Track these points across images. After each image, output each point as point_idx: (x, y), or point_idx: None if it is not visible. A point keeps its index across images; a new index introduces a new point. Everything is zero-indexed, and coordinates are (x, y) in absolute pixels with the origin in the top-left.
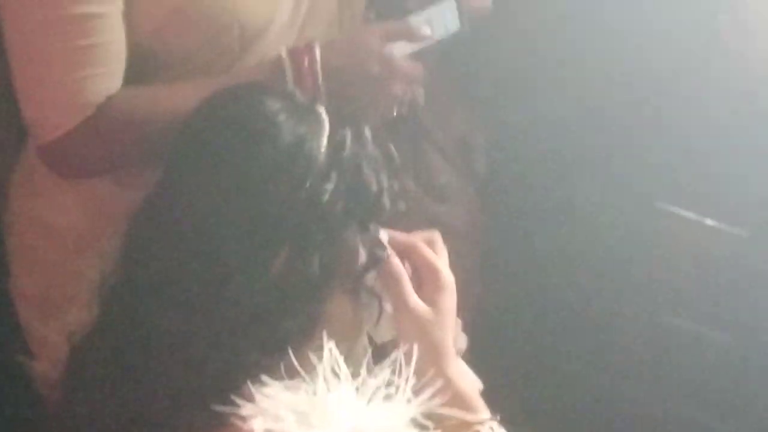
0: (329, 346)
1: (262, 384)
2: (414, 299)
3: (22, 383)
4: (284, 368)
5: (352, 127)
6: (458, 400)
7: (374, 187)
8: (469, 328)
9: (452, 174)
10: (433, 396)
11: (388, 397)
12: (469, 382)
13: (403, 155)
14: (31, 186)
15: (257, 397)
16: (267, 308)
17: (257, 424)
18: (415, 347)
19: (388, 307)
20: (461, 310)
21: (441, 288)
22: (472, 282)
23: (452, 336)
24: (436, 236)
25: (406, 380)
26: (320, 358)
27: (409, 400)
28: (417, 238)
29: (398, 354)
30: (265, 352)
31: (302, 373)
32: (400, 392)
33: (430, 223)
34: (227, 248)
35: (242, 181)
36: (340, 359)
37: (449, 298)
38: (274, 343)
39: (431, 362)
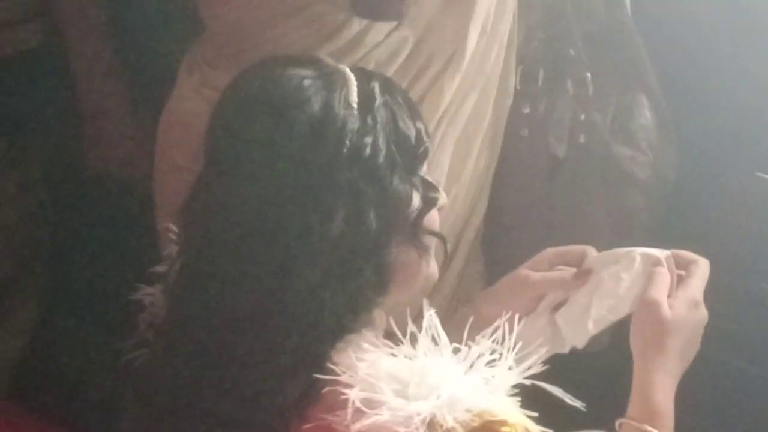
0: (429, 313)
1: (362, 350)
2: (665, 298)
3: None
4: (380, 334)
5: (379, 77)
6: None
7: (411, 132)
8: None
9: (653, 121)
10: (536, 364)
11: (490, 364)
12: (670, 405)
13: (606, 89)
14: None
15: (357, 364)
16: (334, 269)
17: (354, 392)
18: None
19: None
20: None
21: (695, 305)
22: (630, 234)
23: (677, 361)
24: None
25: (509, 349)
26: (419, 327)
27: (510, 368)
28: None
29: (501, 322)
30: (342, 313)
31: (399, 335)
32: (502, 360)
33: (605, 163)
34: (284, 220)
35: (285, 153)
36: (439, 326)
37: (695, 318)
38: (348, 302)
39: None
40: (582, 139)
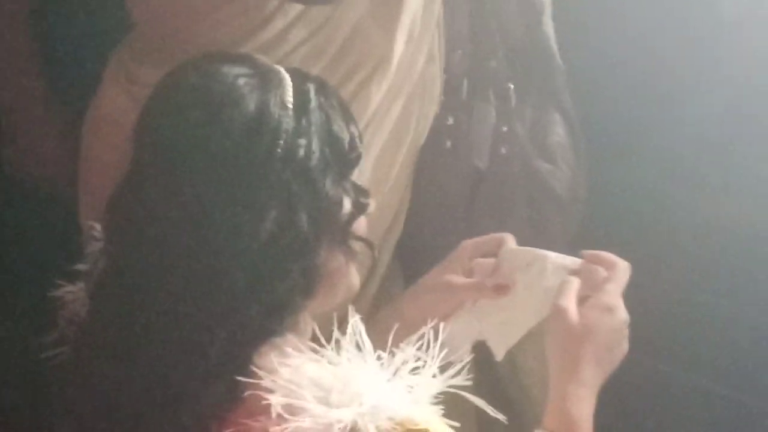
0: (353, 320)
1: (285, 355)
2: (574, 306)
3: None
4: (305, 340)
5: (314, 80)
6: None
7: (345, 136)
8: None
9: (567, 138)
10: (460, 373)
11: (414, 372)
12: (588, 418)
13: (525, 103)
14: None
15: (279, 369)
16: (262, 271)
17: (275, 398)
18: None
19: None
20: None
21: (608, 310)
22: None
23: (592, 369)
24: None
25: (434, 357)
26: (344, 332)
27: (434, 376)
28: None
29: (426, 329)
30: (268, 315)
31: (323, 340)
32: (426, 368)
33: (527, 176)
34: (213, 220)
35: (217, 152)
36: (364, 332)
37: (610, 323)
38: (274, 304)
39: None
40: (504, 150)
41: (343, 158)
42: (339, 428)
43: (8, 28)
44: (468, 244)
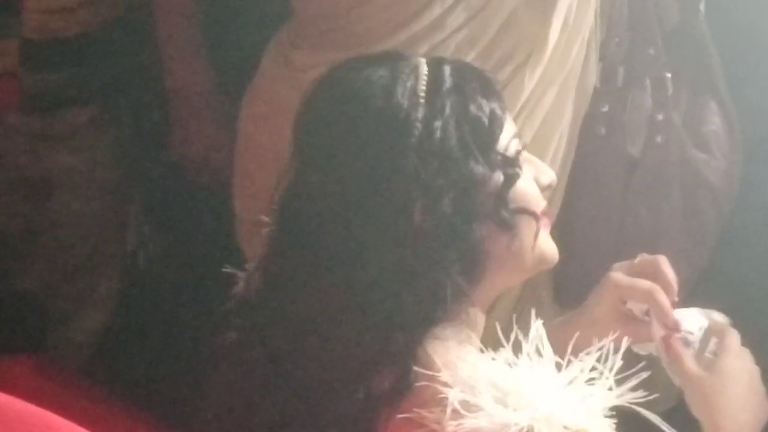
0: (537, 323)
1: (465, 351)
2: (689, 363)
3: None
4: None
5: (452, 62)
6: None
7: (485, 111)
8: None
9: (723, 127)
10: (639, 388)
11: (589, 382)
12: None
13: (680, 91)
14: None
15: (458, 363)
16: (418, 258)
17: (453, 393)
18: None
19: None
20: None
21: (723, 349)
22: (708, 244)
23: (740, 406)
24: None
25: (611, 368)
26: (526, 334)
27: (610, 389)
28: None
29: (608, 341)
30: (431, 303)
31: (503, 340)
32: (602, 379)
33: (682, 165)
34: (364, 213)
35: (357, 148)
36: (545, 338)
37: (735, 361)
38: (435, 291)
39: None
40: (659, 139)
41: (483, 134)
42: (515, 430)
43: (176, 15)
44: (619, 279)
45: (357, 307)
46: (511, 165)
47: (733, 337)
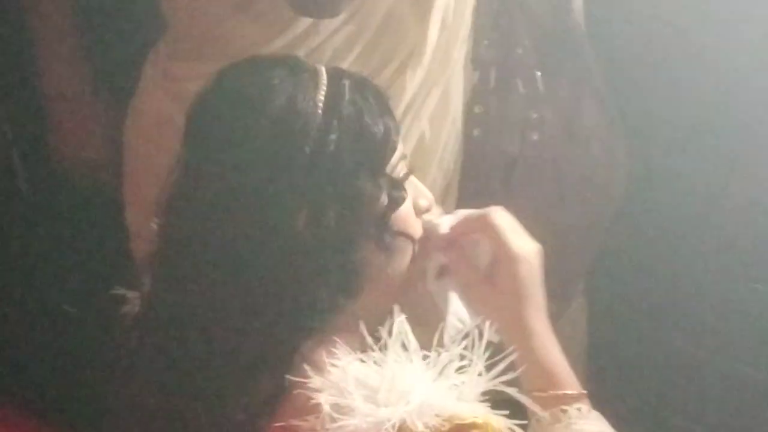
0: (400, 319)
1: (334, 356)
2: (475, 276)
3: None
4: (354, 341)
5: (352, 76)
6: (543, 374)
7: (379, 129)
8: None
9: (603, 121)
10: (508, 370)
11: (460, 371)
12: (558, 358)
13: (556, 90)
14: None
15: (328, 368)
16: (298, 268)
17: (324, 397)
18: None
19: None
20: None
21: (512, 259)
22: (592, 236)
23: (537, 304)
24: (493, 210)
25: (480, 355)
26: (390, 332)
27: (480, 374)
28: (474, 215)
29: (472, 328)
30: (308, 314)
31: (370, 342)
32: (472, 366)
33: (559, 161)
34: (251, 218)
35: (250, 152)
36: (410, 332)
37: (525, 268)
38: (313, 302)
39: (510, 338)
40: (535, 136)
41: (375, 152)
42: (388, 426)
43: (54, 15)
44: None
45: (238, 311)
46: (397, 187)
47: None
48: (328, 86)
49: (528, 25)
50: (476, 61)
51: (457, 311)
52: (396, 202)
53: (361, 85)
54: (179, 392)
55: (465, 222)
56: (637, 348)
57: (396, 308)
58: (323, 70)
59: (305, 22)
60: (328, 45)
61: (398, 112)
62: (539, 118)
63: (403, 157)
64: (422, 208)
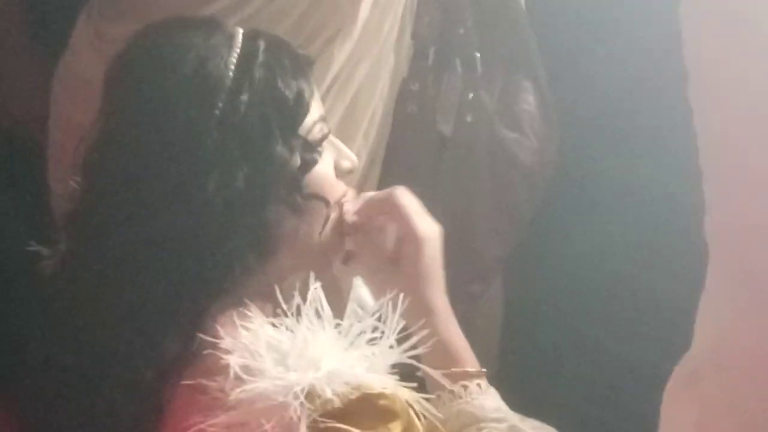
0: (314, 286)
1: (246, 318)
2: (379, 258)
3: None
4: (267, 307)
5: (267, 37)
6: (444, 352)
7: (292, 92)
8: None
9: (538, 107)
10: (417, 344)
11: (371, 342)
12: (458, 336)
13: (493, 71)
14: None
15: (240, 331)
16: (208, 227)
17: (233, 359)
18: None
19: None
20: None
21: (417, 240)
22: (516, 220)
23: (439, 284)
24: (397, 191)
25: (392, 328)
26: (305, 298)
27: (391, 347)
28: (379, 197)
29: (385, 301)
30: (220, 275)
31: (284, 307)
32: (384, 339)
33: (491, 144)
34: (164, 177)
35: (166, 113)
36: (324, 300)
37: (429, 248)
38: (225, 263)
39: (413, 317)
40: (469, 118)
41: (287, 115)
42: (296, 391)
43: None
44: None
45: (147, 269)
46: (310, 150)
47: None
48: (242, 48)
49: (472, 6)
50: (415, 38)
51: (360, 297)
52: (308, 164)
53: (277, 47)
54: (91, 350)
55: (369, 205)
56: (548, 331)
57: (311, 275)
58: (239, 32)
59: None
60: (262, 14)
61: (325, 83)
62: (475, 99)
63: (321, 119)
64: (345, 169)
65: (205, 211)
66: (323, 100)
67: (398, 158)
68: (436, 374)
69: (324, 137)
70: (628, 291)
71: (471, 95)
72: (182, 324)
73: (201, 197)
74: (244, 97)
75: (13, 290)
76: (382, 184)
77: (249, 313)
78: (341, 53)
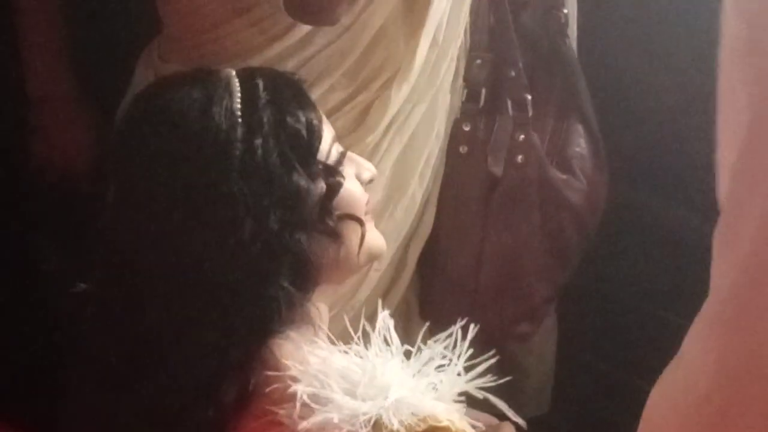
0: (383, 315)
1: (315, 346)
2: None
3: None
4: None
5: (263, 73)
6: None
7: (302, 123)
8: None
9: (588, 150)
10: (487, 373)
11: (439, 369)
12: None
13: (545, 114)
14: None
15: (309, 359)
16: (254, 271)
17: (301, 387)
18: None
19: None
20: None
21: None
22: (569, 263)
23: None
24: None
25: (459, 355)
26: (374, 327)
27: (459, 374)
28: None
29: (455, 329)
30: (266, 315)
31: (352, 333)
32: (451, 366)
33: (542, 185)
34: (193, 236)
35: (178, 172)
36: (392, 328)
37: None
38: (269, 303)
39: None
40: (520, 159)
41: (304, 146)
42: (364, 420)
43: (39, 20)
44: None
45: (197, 320)
46: (332, 174)
47: None
48: (242, 91)
49: (522, 47)
50: (468, 80)
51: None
52: (334, 188)
53: (275, 81)
54: (151, 401)
55: None
56: (603, 372)
57: (380, 302)
58: (233, 74)
59: (302, 30)
60: (320, 57)
61: (382, 124)
62: (526, 141)
63: (334, 140)
64: (365, 179)
65: (245, 257)
66: (381, 140)
67: (451, 198)
68: (502, 404)
69: (342, 156)
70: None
71: (522, 136)
72: (237, 366)
73: (239, 246)
74: (258, 141)
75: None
76: (436, 223)
77: (318, 341)
78: (398, 95)
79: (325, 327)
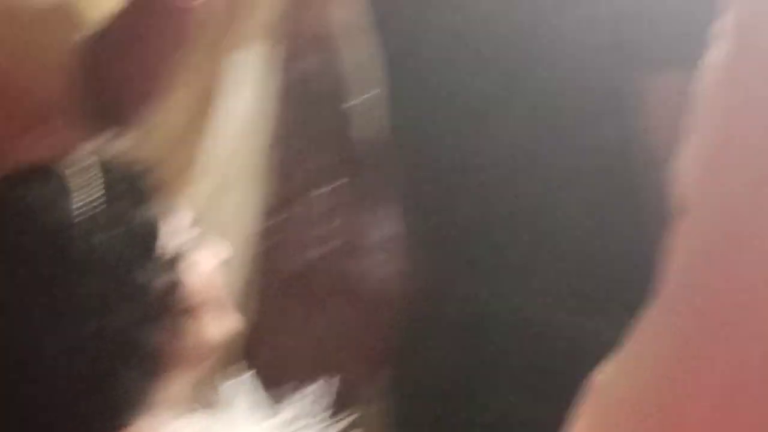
0: (246, 377)
1: (184, 416)
2: None
3: None
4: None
5: (98, 167)
6: None
7: (139, 220)
8: None
9: (392, 233)
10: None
11: (302, 429)
12: None
13: (358, 198)
14: None
15: (177, 427)
16: (99, 369)
17: None
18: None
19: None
20: None
21: None
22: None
23: None
24: None
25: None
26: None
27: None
28: None
29: (314, 388)
30: (120, 407)
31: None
32: (314, 423)
33: (341, 275)
34: (42, 329)
35: (25, 267)
36: (259, 389)
37: None
38: (122, 397)
39: None
40: (327, 246)
41: (144, 242)
42: None
43: None
44: None
45: (48, 416)
46: (173, 267)
47: None
48: (81, 189)
49: (338, 135)
50: (281, 165)
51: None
52: (176, 282)
53: (112, 174)
54: None
55: None
56: None
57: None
58: (66, 174)
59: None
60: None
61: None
62: (336, 227)
63: (179, 222)
64: (219, 261)
65: (91, 352)
66: None
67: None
68: None
69: (191, 241)
70: None
71: (336, 222)
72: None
73: (84, 342)
74: (97, 239)
75: None
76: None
77: (164, 418)
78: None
79: (186, 403)
